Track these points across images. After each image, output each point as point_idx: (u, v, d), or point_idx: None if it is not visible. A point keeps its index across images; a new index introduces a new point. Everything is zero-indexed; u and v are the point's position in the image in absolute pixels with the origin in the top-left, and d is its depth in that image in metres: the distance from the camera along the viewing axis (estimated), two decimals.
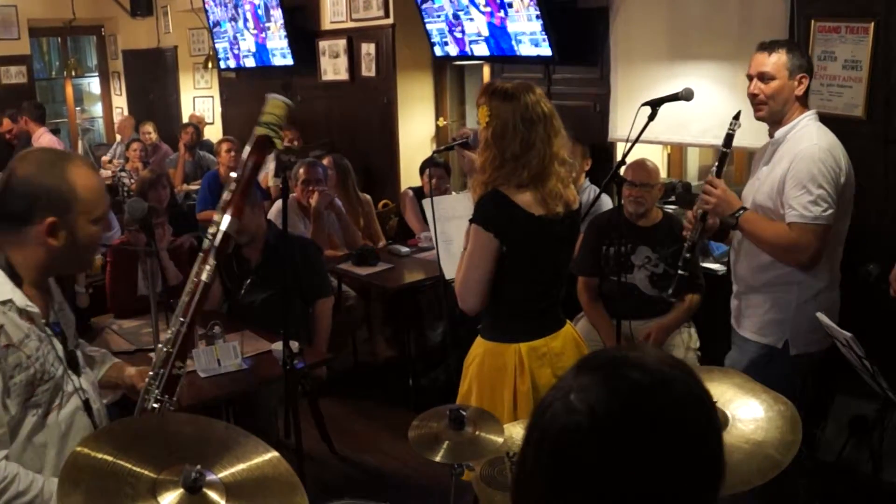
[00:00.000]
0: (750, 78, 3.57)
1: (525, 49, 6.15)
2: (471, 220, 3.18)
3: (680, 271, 3.64)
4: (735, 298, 3.83)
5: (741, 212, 3.51)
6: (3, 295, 2.29)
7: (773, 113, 3.53)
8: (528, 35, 6.07)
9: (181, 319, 2.44)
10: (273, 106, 2.60)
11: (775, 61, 3.48)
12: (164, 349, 2.43)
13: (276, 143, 2.59)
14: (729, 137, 3.57)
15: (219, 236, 2.45)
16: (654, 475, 1.15)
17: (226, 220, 2.46)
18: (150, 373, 2.47)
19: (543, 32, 5.92)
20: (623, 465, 1.15)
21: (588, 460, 1.16)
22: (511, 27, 6.17)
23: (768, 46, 3.53)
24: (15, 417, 2.28)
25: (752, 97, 3.55)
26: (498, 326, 3.31)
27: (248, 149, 2.52)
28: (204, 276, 2.44)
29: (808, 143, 3.45)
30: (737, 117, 3.56)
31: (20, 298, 2.31)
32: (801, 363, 3.65)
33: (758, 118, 3.60)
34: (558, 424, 1.18)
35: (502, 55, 6.37)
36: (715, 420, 1.24)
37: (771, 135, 3.62)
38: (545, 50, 5.99)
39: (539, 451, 1.21)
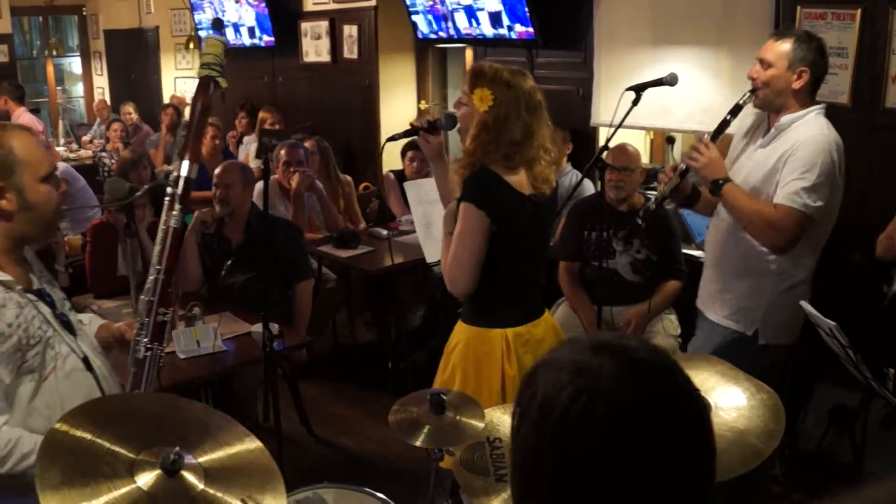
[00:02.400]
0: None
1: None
2: (460, 199, 3.11)
3: (639, 220, 3.62)
4: (709, 281, 3.78)
5: (724, 181, 3.40)
6: None
7: (766, 101, 3.45)
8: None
9: (157, 268, 2.58)
10: (210, 45, 2.75)
11: (777, 49, 3.39)
12: (146, 298, 2.58)
13: (219, 81, 2.75)
14: (737, 108, 3.48)
15: (181, 182, 2.61)
16: (677, 449, 1.20)
17: (185, 166, 2.61)
18: (137, 324, 2.62)
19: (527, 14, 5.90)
20: (650, 442, 1.17)
21: (621, 440, 1.16)
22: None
23: (780, 34, 3.46)
24: (11, 385, 2.35)
25: (751, 80, 3.46)
26: (482, 312, 3.27)
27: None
28: (172, 223, 2.59)
29: (819, 131, 3.37)
30: (753, 91, 3.45)
31: None
32: (767, 354, 3.60)
33: (754, 105, 3.51)
34: (578, 408, 1.16)
35: (497, 35, 6.33)
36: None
37: (770, 118, 3.54)
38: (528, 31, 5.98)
39: (554, 437, 1.18)
